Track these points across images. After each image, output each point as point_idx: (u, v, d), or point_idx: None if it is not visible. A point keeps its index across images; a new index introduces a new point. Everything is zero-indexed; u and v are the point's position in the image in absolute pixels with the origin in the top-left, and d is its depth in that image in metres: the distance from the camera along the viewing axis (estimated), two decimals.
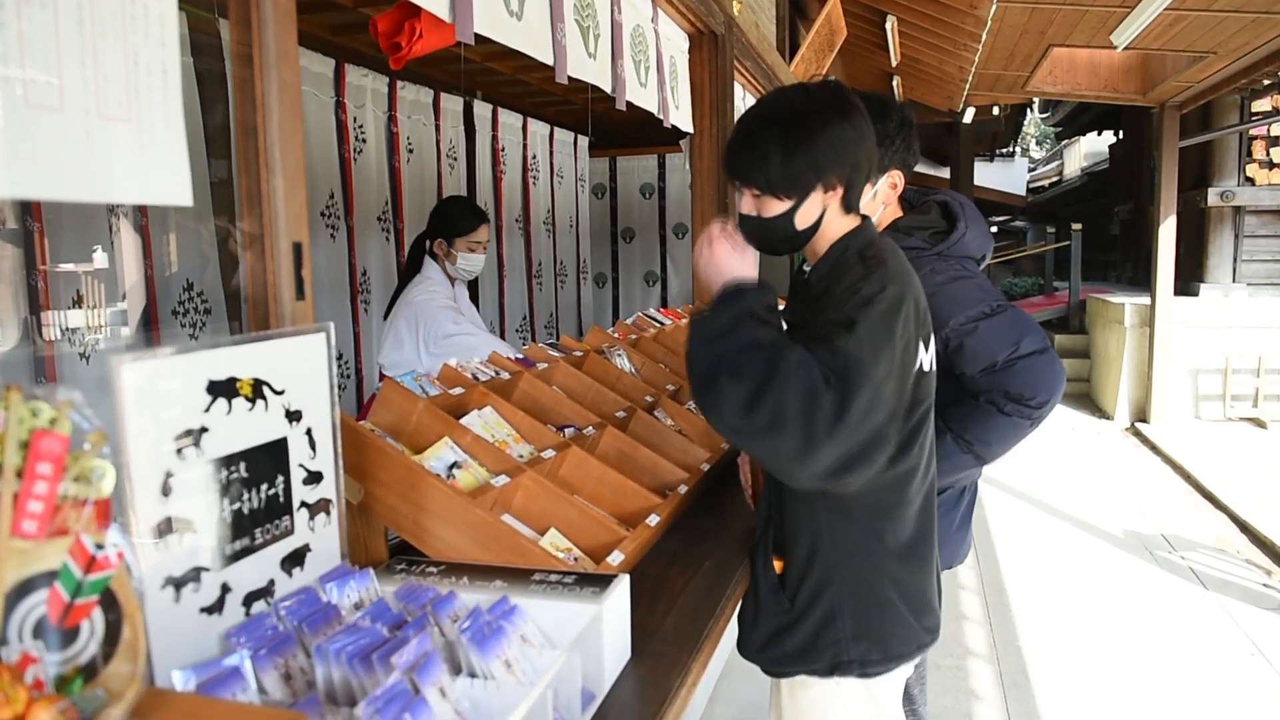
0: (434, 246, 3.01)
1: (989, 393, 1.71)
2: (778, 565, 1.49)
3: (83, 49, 0.96)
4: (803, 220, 1.38)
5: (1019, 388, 1.68)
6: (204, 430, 0.97)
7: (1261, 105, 8.12)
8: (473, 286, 4.75)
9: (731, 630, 1.56)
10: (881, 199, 1.83)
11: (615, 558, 1.44)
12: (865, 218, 1.45)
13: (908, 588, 1.45)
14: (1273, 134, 8.43)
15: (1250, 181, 8.53)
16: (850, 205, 1.40)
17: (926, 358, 1.39)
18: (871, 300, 1.28)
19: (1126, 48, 5.46)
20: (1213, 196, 8.46)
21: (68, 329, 2.53)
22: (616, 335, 2.63)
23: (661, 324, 3.00)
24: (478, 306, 4.74)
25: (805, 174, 1.34)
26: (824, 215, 1.39)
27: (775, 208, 1.38)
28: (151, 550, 0.91)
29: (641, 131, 4.96)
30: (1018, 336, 1.70)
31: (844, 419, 1.19)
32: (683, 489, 1.83)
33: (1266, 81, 6.64)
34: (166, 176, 1.06)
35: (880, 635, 1.43)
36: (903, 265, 1.40)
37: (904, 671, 1.50)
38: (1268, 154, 8.46)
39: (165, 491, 0.92)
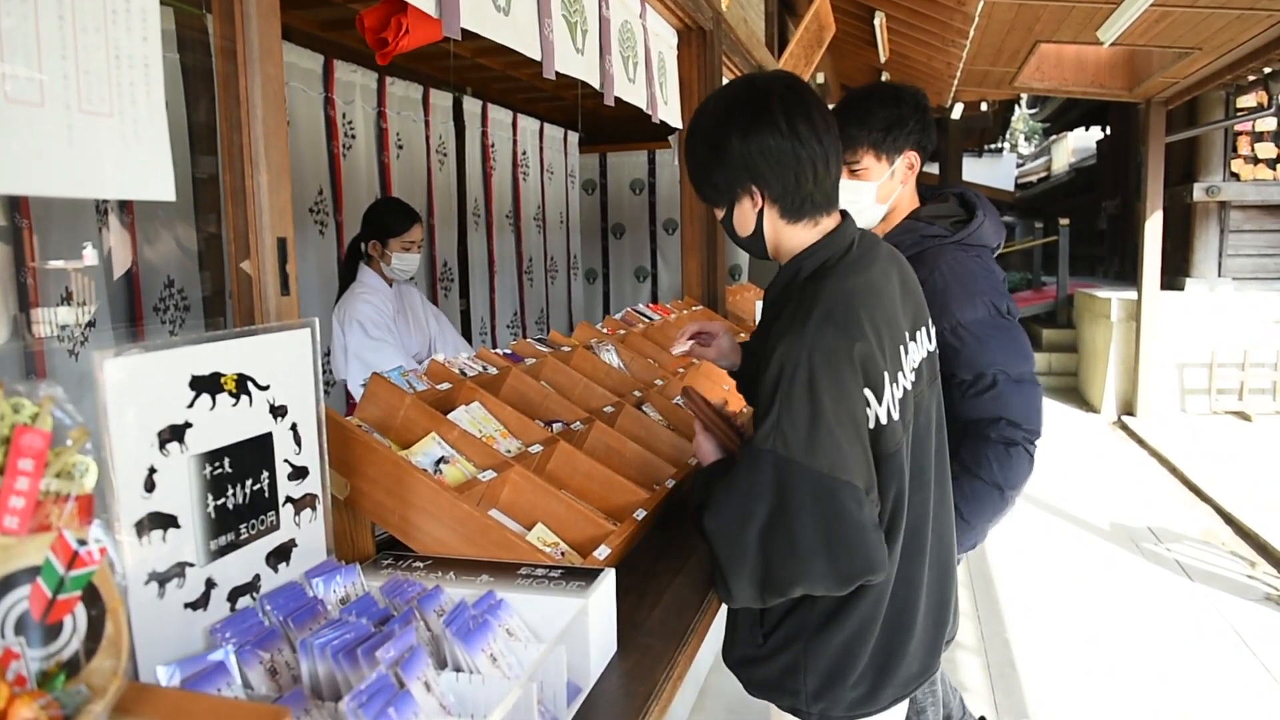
0: (368, 248, 3.03)
1: (994, 424, 1.77)
2: None
3: (64, 43, 0.95)
4: (740, 227, 1.37)
5: (1015, 413, 1.76)
6: (188, 426, 0.96)
7: (1247, 101, 8.15)
8: (464, 282, 4.75)
9: (720, 624, 1.57)
10: (899, 178, 1.92)
11: (602, 552, 1.45)
12: (836, 230, 1.36)
13: (882, 648, 1.36)
14: (1258, 129, 8.47)
15: (1235, 177, 8.57)
16: (791, 213, 1.32)
17: (882, 410, 1.23)
18: (789, 373, 1.19)
19: (1113, 44, 5.48)
20: (1198, 192, 8.50)
21: (57, 325, 2.52)
22: (605, 330, 2.64)
23: (651, 319, 3.00)
24: (468, 301, 4.74)
25: (715, 185, 1.35)
26: (762, 223, 1.34)
27: (719, 213, 1.40)
28: (135, 546, 0.91)
29: (631, 127, 4.97)
30: (1008, 358, 1.77)
31: (795, 546, 1.20)
32: (670, 483, 1.83)
33: (1251, 77, 6.68)
34: (150, 171, 1.06)
35: (841, 698, 1.36)
36: (847, 300, 1.24)
37: (892, 713, 1.42)
38: (1253, 149, 8.50)
39: (149, 487, 0.92)
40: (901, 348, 1.30)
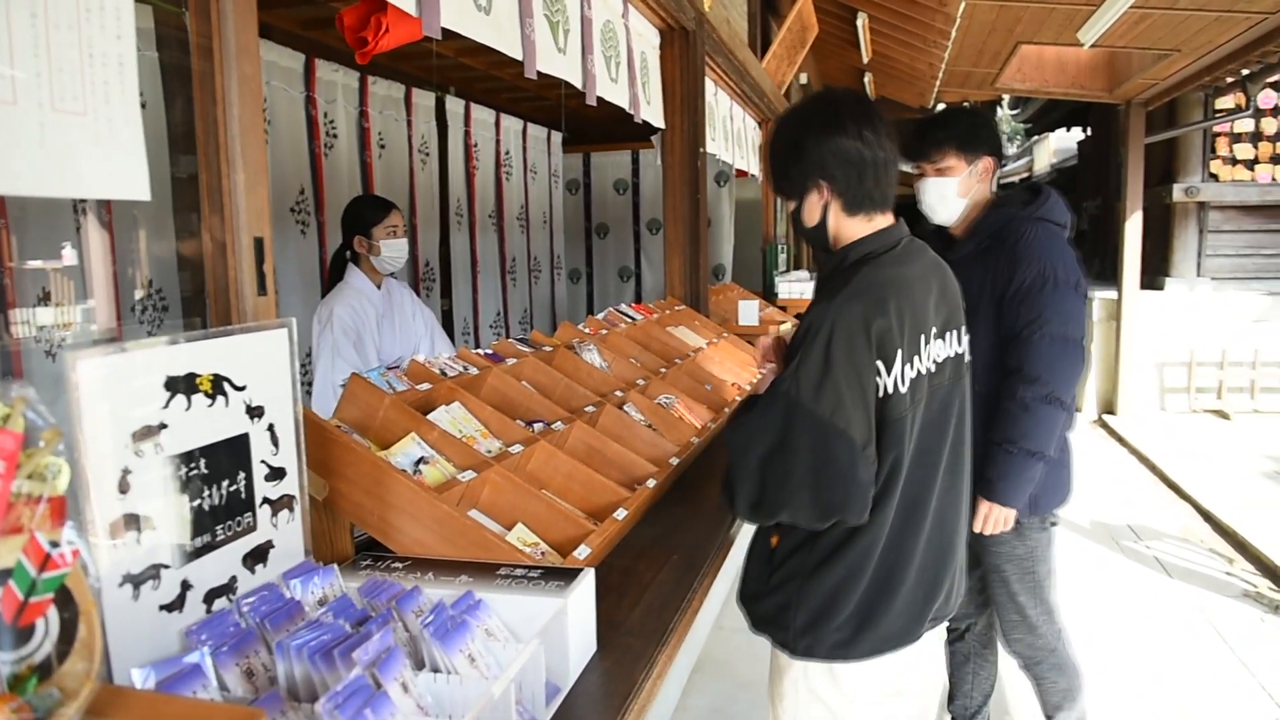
0: (356, 246, 3.01)
1: (1010, 379, 2.09)
2: (774, 540, 1.55)
3: (36, 41, 0.95)
4: (808, 217, 1.54)
5: (1036, 366, 2.06)
6: (163, 426, 0.96)
7: (1225, 102, 8.20)
8: (446, 281, 4.73)
9: (704, 622, 1.58)
10: (977, 177, 2.23)
11: (582, 551, 1.45)
12: (886, 229, 1.52)
13: (866, 601, 1.46)
14: (1236, 131, 8.55)
15: (1214, 177, 8.64)
16: (851, 207, 1.50)
17: (890, 381, 1.39)
18: (813, 332, 1.39)
19: (1093, 45, 5.52)
20: (1178, 192, 8.57)
21: (35, 326, 2.49)
22: (587, 330, 2.64)
23: (633, 319, 3.00)
24: (450, 300, 4.72)
25: (791, 179, 1.53)
26: (827, 214, 1.52)
27: (790, 205, 1.58)
28: (109, 548, 0.90)
29: (615, 127, 4.97)
30: (1053, 316, 2.07)
31: (791, 471, 1.37)
32: (651, 483, 1.83)
33: (1230, 79, 6.73)
34: (124, 170, 1.05)
35: (824, 639, 1.48)
36: (878, 285, 1.43)
37: (874, 667, 1.50)
38: (1231, 150, 8.57)
39: (123, 488, 0.91)
40: (923, 336, 1.45)
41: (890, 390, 1.39)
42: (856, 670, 1.50)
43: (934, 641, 1.61)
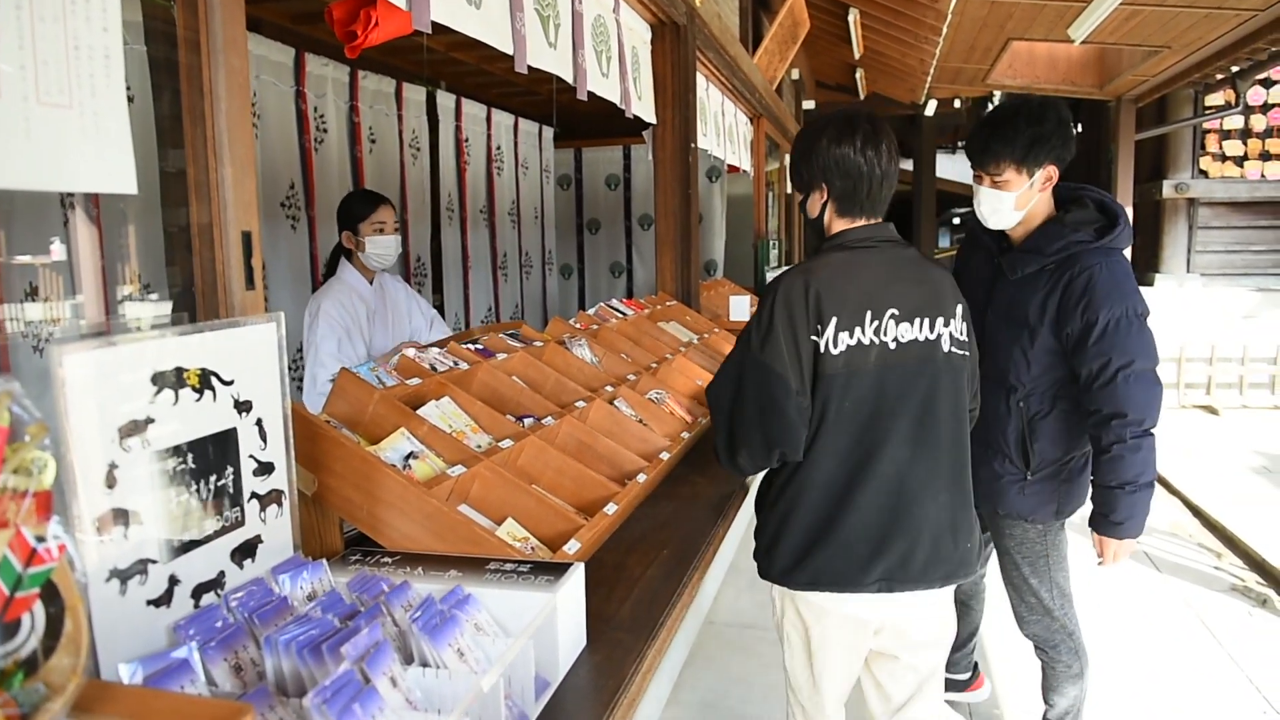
0: (345, 242, 3.00)
1: (1106, 425, 2.03)
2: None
3: (21, 34, 0.94)
4: (811, 210, 1.78)
5: (1131, 407, 2.00)
6: (149, 421, 0.95)
7: (1215, 99, 8.25)
8: (437, 277, 4.72)
9: (694, 617, 1.58)
10: (1037, 188, 2.10)
11: (572, 546, 1.45)
12: (866, 226, 1.70)
13: (806, 537, 1.65)
14: (1226, 127, 8.59)
15: (1204, 174, 8.69)
16: (843, 210, 1.71)
17: (823, 340, 1.59)
18: (766, 295, 1.65)
19: (1084, 42, 5.54)
20: (1168, 189, 8.61)
21: (23, 321, 2.48)
22: (578, 325, 2.63)
23: (624, 314, 3.00)
24: (441, 295, 4.71)
25: (801, 175, 1.75)
26: (825, 211, 1.74)
27: (799, 196, 1.81)
28: (96, 543, 0.90)
29: (607, 122, 4.96)
30: (1136, 353, 2.01)
31: (741, 406, 1.61)
32: (642, 478, 1.83)
33: (1219, 75, 6.77)
34: (110, 164, 1.05)
35: (775, 564, 1.68)
36: (829, 261, 1.67)
37: (830, 602, 1.65)
38: (1221, 147, 8.62)
39: (109, 483, 0.91)
40: (869, 312, 1.62)
41: (822, 350, 1.60)
42: (808, 600, 1.68)
43: (921, 608, 1.70)
